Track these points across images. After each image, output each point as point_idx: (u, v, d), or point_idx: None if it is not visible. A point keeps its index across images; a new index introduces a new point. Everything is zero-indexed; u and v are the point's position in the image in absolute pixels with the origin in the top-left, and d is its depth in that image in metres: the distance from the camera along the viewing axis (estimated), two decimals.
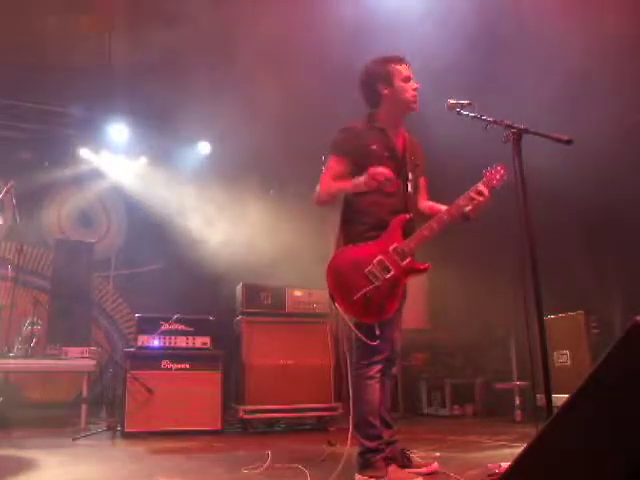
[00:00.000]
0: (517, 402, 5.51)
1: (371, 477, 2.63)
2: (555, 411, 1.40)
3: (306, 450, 3.88)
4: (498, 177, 2.79)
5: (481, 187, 2.76)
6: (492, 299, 5.96)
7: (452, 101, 2.74)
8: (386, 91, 2.86)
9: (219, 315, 5.53)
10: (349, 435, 2.74)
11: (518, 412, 5.47)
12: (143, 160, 7.65)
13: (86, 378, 5.22)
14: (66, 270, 6.39)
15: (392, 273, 2.68)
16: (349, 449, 2.71)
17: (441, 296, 7.00)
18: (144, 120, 7.18)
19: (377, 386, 2.73)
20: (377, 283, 2.65)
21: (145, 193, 7.50)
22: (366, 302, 2.64)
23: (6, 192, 5.22)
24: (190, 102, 6.01)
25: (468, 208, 2.75)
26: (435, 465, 2.90)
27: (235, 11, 5.36)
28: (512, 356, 5.76)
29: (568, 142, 2.42)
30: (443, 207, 2.87)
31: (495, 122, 2.60)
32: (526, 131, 2.51)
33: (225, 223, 7.20)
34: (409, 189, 2.88)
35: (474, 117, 2.68)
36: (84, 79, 5.99)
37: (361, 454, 2.71)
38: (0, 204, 5.36)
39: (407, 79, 2.86)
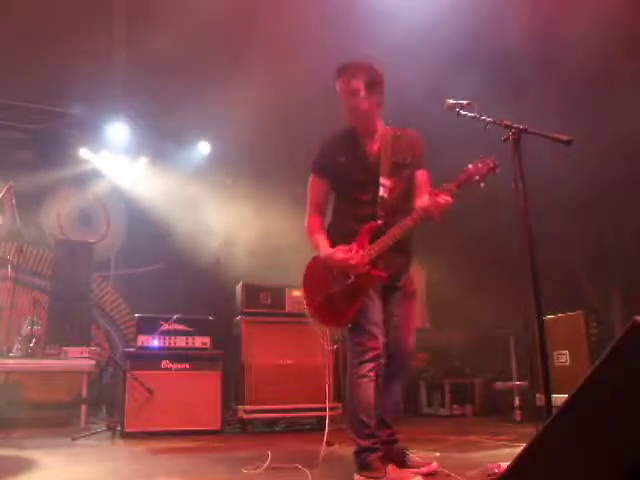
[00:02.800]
0: (517, 402, 5.51)
1: (369, 477, 2.64)
2: (555, 411, 1.40)
3: (306, 450, 3.88)
4: (482, 173, 2.60)
5: (448, 187, 2.67)
6: (492, 299, 5.96)
7: (451, 101, 2.74)
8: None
9: (219, 315, 5.53)
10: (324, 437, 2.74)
11: (518, 412, 5.47)
12: (143, 160, 7.65)
13: (86, 378, 5.22)
14: (66, 270, 6.39)
15: (352, 279, 2.72)
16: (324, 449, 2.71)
17: (441, 296, 7.01)
18: (144, 120, 7.18)
19: (370, 385, 2.73)
20: (336, 288, 2.73)
21: (145, 193, 7.49)
22: (327, 306, 2.75)
23: (6, 192, 5.22)
24: (190, 102, 6.02)
25: (432, 209, 2.66)
26: (434, 465, 2.90)
27: (233, 10, 5.36)
28: (512, 356, 5.76)
29: (568, 142, 2.42)
30: None
31: (495, 122, 2.60)
32: (525, 131, 2.50)
33: (225, 223, 7.20)
34: (381, 194, 2.83)
35: (473, 117, 2.67)
36: (84, 79, 5.99)
37: (356, 453, 2.73)
38: (0, 204, 5.36)
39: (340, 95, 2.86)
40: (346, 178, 2.88)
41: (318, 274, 2.82)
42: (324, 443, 2.81)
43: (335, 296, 2.75)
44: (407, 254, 2.95)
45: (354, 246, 2.75)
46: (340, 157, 2.87)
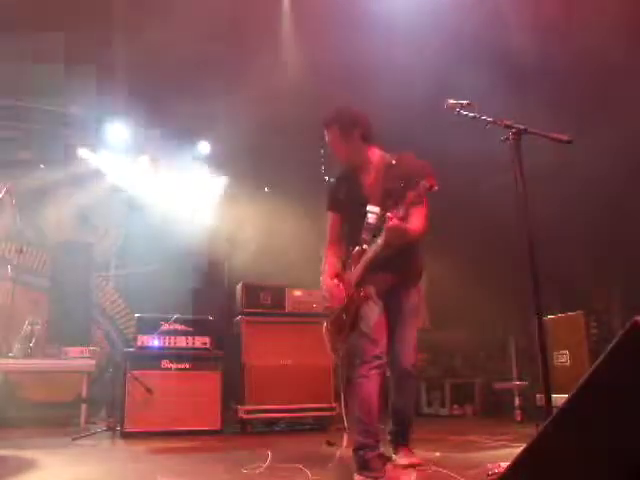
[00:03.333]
0: (517, 402, 5.51)
1: (368, 477, 2.66)
2: (555, 411, 1.40)
3: (306, 450, 3.88)
4: (421, 194, 2.68)
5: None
6: (492, 299, 5.96)
7: (452, 101, 2.74)
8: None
9: (219, 315, 5.54)
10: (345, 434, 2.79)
11: (518, 412, 5.47)
12: (143, 159, 7.64)
13: (86, 378, 5.22)
14: (66, 270, 6.39)
15: (345, 300, 3.01)
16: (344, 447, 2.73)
17: (441, 296, 7.01)
18: (144, 120, 7.18)
19: (370, 384, 2.81)
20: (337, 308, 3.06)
21: (145, 193, 7.49)
22: (335, 323, 3.10)
23: (6, 192, 5.22)
24: (190, 101, 6.02)
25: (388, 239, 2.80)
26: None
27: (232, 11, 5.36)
28: (512, 356, 5.76)
29: (568, 142, 2.42)
30: None
31: (495, 122, 2.60)
32: (525, 131, 2.51)
33: (225, 222, 7.21)
34: (368, 221, 3.00)
35: (474, 117, 2.67)
36: (84, 79, 5.99)
37: (355, 450, 2.80)
38: (0, 204, 5.35)
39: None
40: (346, 210, 3.19)
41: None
42: (344, 440, 2.87)
43: (337, 314, 3.06)
44: (401, 268, 3.01)
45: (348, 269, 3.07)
46: (340, 195, 3.22)
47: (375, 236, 2.92)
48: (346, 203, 3.18)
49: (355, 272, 2.97)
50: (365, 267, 2.92)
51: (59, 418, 5.48)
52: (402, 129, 4.73)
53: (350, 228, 3.17)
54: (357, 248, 3.00)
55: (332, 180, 3.38)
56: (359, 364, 2.84)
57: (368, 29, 5.32)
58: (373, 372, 2.81)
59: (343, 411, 3.09)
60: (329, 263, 3.19)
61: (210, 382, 4.97)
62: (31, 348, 5.34)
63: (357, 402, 2.84)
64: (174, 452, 3.92)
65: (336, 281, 3.05)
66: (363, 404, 2.81)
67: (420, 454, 3.13)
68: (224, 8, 5.22)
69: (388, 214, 2.73)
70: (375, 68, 5.45)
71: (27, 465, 3.27)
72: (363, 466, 2.72)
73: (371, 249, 2.90)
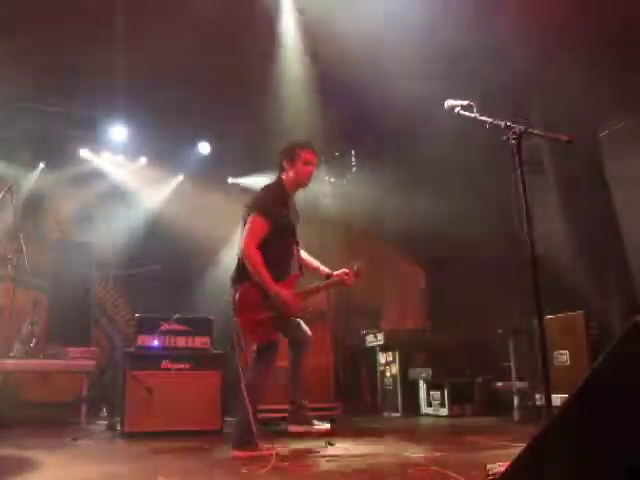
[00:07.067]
0: (517, 402, 5.50)
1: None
2: (555, 411, 1.40)
3: (305, 450, 3.88)
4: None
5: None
6: (492, 299, 5.96)
7: (452, 101, 2.74)
8: (289, 167, 3.67)
9: (219, 315, 5.53)
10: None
11: (518, 412, 5.47)
12: (143, 160, 7.65)
13: (86, 378, 5.22)
14: (66, 270, 6.39)
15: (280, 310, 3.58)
16: None
17: (441, 296, 7.01)
18: (144, 120, 7.18)
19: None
20: (269, 313, 3.58)
21: (145, 193, 7.49)
22: (259, 324, 3.64)
23: (6, 192, 5.22)
24: (190, 102, 6.03)
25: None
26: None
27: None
28: (512, 356, 5.76)
29: (568, 142, 2.43)
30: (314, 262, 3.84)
31: (494, 122, 2.60)
32: (526, 131, 2.51)
33: (225, 222, 7.20)
34: (294, 252, 3.66)
35: (474, 117, 2.67)
36: (84, 79, 5.99)
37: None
38: (0, 204, 5.36)
39: (307, 162, 3.67)
40: (280, 228, 3.54)
41: (255, 298, 3.50)
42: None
43: (269, 319, 3.56)
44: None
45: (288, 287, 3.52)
46: (284, 210, 3.60)
47: (301, 268, 3.63)
48: (285, 222, 3.56)
49: (298, 294, 3.58)
50: (306, 294, 3.66)
51: (59, 418, 5.48)
52: None
53: (279, 248, 3.53)
54: (296, 273, 3.61)
55: (274, 189, 3.70)
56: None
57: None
58: None
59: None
60: (269, 274, 3.45)
61: (210, 382, 4.97)
62: (31, 348, 5.35)
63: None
64: (174, 452, 3.92)
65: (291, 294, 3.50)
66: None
67: (420, 454, 3.12)
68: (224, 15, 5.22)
69: (347, 270, 3.57)
70: None
71: (27, 465, 3.27)
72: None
73: (316, 284, 3.70)
